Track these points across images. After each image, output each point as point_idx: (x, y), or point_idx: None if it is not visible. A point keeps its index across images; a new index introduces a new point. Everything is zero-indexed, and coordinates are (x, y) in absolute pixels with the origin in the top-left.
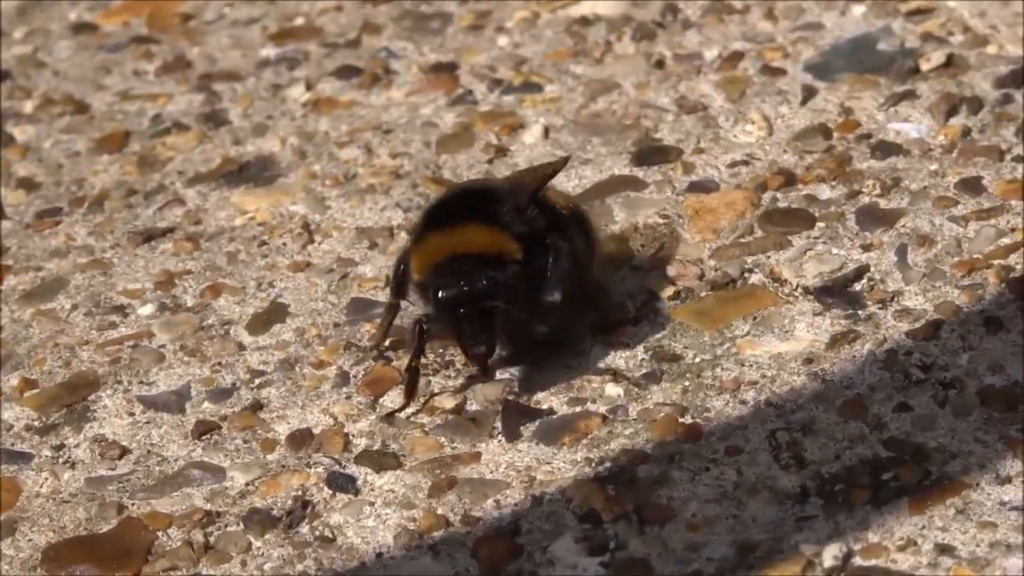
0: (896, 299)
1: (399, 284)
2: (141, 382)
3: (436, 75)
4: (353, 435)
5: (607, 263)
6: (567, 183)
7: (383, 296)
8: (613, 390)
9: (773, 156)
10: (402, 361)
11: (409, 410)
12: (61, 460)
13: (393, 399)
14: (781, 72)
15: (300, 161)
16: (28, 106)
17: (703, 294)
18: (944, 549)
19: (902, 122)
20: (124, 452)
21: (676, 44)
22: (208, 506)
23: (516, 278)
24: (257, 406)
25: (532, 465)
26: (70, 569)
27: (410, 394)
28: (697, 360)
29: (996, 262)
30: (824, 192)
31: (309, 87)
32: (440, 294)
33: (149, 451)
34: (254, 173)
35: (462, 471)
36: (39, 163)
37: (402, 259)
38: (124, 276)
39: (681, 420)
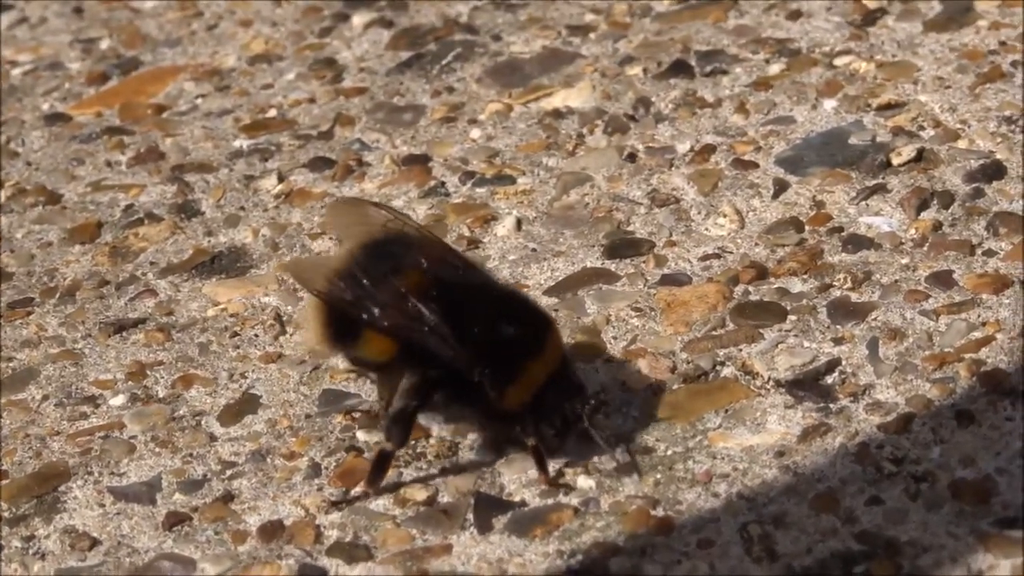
0: (868, 392)
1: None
2: (112, 473)
3: (409, 167)
4: (324, 527)
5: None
6: (540, 275)
7: (355, 387)
8: (585, 482)
9: (745, 249)
10: (373, 451)
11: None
12: (31, 551)
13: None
14: (753, 165)
15: (272, 252)
16: (1, 196)
17: (675, 387)
18: None
19: (873, 216)
20: (94, 543)
21: (648, 137)
22: None
23: None
24: (228, 497)
25: (504, 557)
26: None
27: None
28: (669, 452)
29: (967, 356)
30: (796, 285)
31: (281, 179)
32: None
33: (119, 542)
34: (226, 264)
35: (434, 563)
36: (11, 253)
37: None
38: (95, 367)
39: (653, 513)
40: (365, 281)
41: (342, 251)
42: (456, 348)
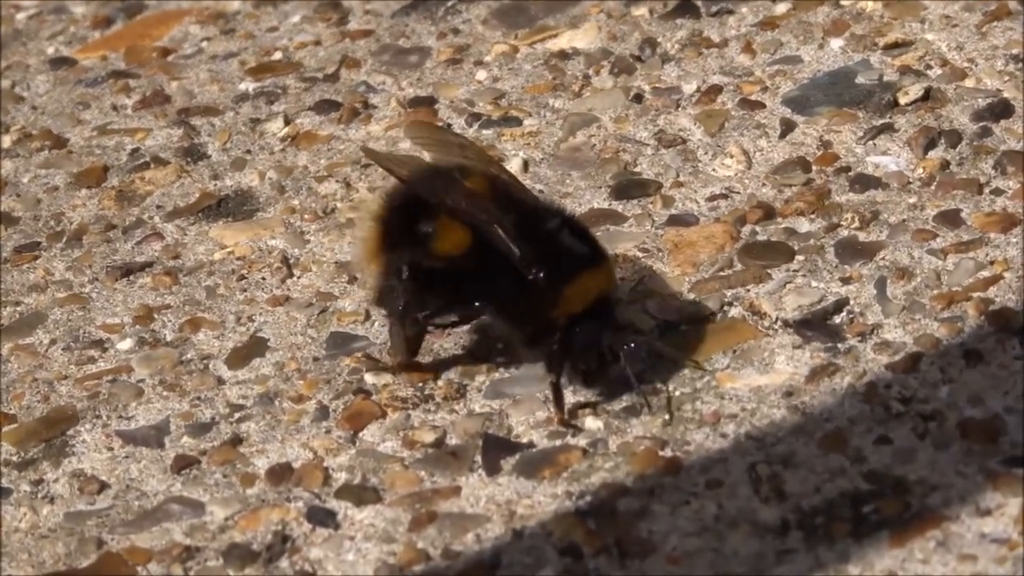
0: (876, 332)
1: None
2: (120, 417)
3: (415, 109)
4: (333, 469)
5: None
6: None
7: (362, 330)
8: (593, 423)
9: (752, 189)
10: (381, 394)
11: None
12: (40, 495)
13: (373, 432)
14: (760, 106)
15: (279, 196)
16: (6, 141)
17: (683, 328)
18: None
19: (881, 155)
20: (103, 487)
21: (654, 78)
22: (187, 541)
23: None
24: (236, 440)
25: (512, 499)
26: None
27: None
28: (677, 393)
29: (975, 295)
30: (803, 225)
31: (288, 121)
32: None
33: (128, 486)
34: (233, 208)
35: (442, 505)
36: (17, 198)
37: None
38: (103, 311)
39: (661, 453)
40: (437, 177)
41: (417, 158)
42: (519, 241)
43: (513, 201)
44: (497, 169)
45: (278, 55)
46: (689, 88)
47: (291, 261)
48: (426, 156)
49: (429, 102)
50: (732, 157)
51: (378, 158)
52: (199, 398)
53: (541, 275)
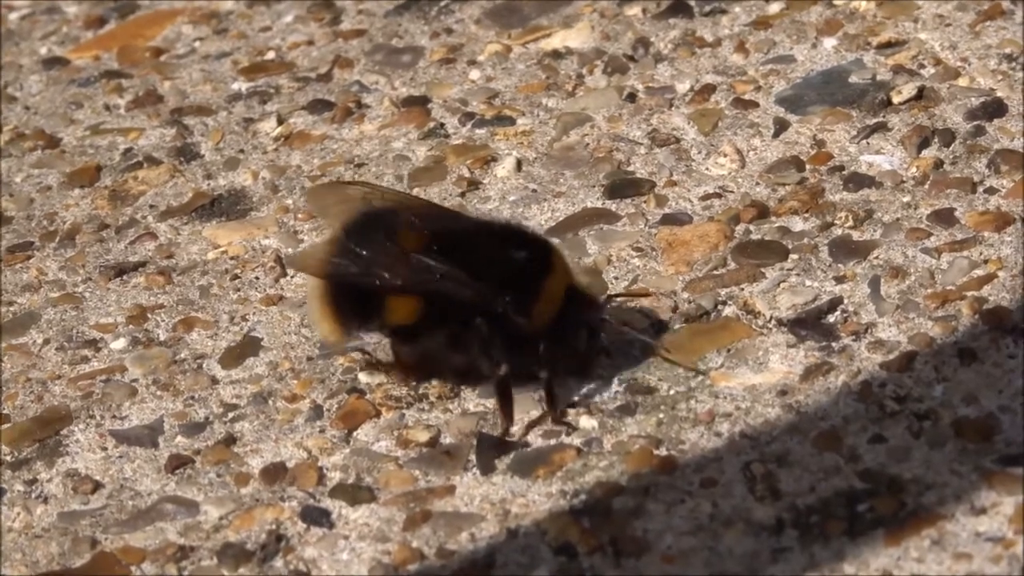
0: (870, 331)
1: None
2: (114, 416)
3: (408, 109)
4: (327, 468)
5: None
6: (540, 216)
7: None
8: (587, 423)
9: (746, 188)
10: (375, 393)
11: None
12: (34, 495)
13: (367, 431)
14: (753, 105)
15: (272, 195)
16: None
17: (677, 327)
18: None
19: (874, 154)
20: (97, 487)
21: (648, 77)
22: (182, 540)
23: None
24: (230, 440)
25: (507, 498)
26: None
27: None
28: (671, 392)
29: (969, 294)
30: (797, 224)
31: (281, 121)
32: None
33: (122, 485)
34: (226, 207)
35: (437, 504)
36: (10, 198)
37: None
38: (96, 310)
39: (656, 452)
40: (364, 252)
41: (331, 233)
42: (474, 285)
43: (446, 232)
44: (407, 199)
45: (271, 55)
46: (682, 87)
47: (284, 260)
48: (333, 224)
49: (422, 102)
50: (726, 156)
51: (295, 263)
52: (193, 397)
53: (509, 307)
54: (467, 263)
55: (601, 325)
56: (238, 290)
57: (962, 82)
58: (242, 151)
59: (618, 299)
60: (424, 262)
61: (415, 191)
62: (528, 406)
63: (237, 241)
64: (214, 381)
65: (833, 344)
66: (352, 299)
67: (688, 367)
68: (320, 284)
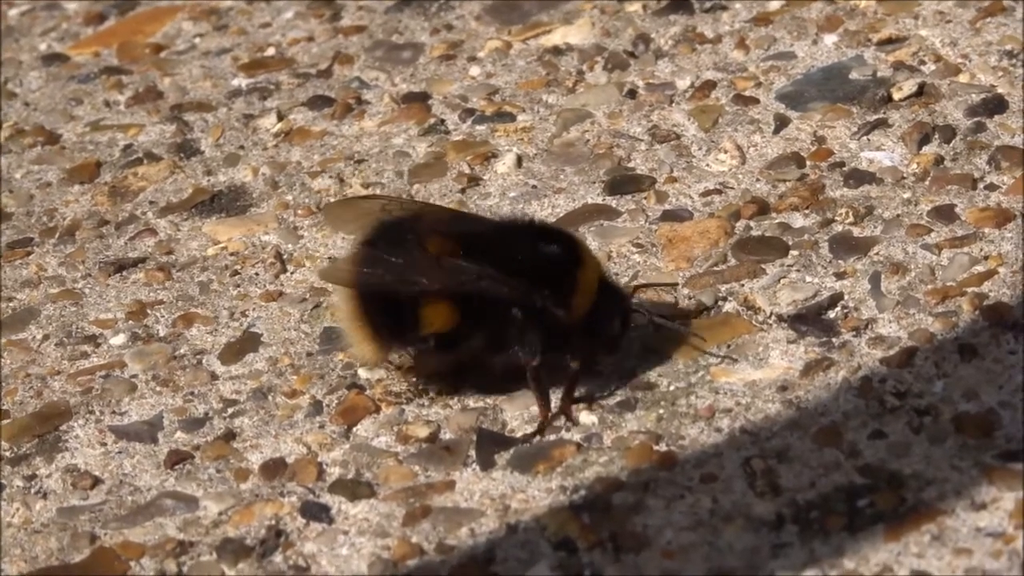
0: (870, 327)
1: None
2: (113, 412)
3: (408, 105)
4: (327, 464)
5: None
6: (540, 212)
7: None
8: (587, 418)
9: (746, 185)
10: (375, 389)
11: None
12: (33, 490)
13: (367, 427)
14: (754, 101)
15: (272, 191)
16: None
17: (677, 323)
18: None
19: (875, 151)
20: (96, 482)
21: (648, 74)
22: (181, 536)
23: None
24: (230, 435)
25: (507, 493)
26: None
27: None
28: (671, 388)
29: (970, 290)
30: (797, 220)
31: (281, 117)
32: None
33: (121, 481)
34: (226, 203)
35: (436, 500)
36: (10, 194)
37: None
38: (95, 306)
39: (656, 448)
40: (395, 259)
41: (355, 247)
42: (510, 282)
43: (472, 235)
44: (425, 207)
45: (271, 51)
46: (683, 84)
47: (284, 256)
48: (353, 237)
49: (422, 98)
50: (726, 152)
51: (327, 277)
52: (192, 393)
53: (548, 300)
54: (499, 263)
55: (633, 315)
56: (238, 286)
57: (963, 79)
58: (242, 147)
59: (644, 289)
60: (458, 264)
61: (415, 187)
62: (528, 401)
63: (237, 237)
64: (214, 377)
65: (833, 340)
66: (386, 314)
67: (721, 356)
68: (352, 304)
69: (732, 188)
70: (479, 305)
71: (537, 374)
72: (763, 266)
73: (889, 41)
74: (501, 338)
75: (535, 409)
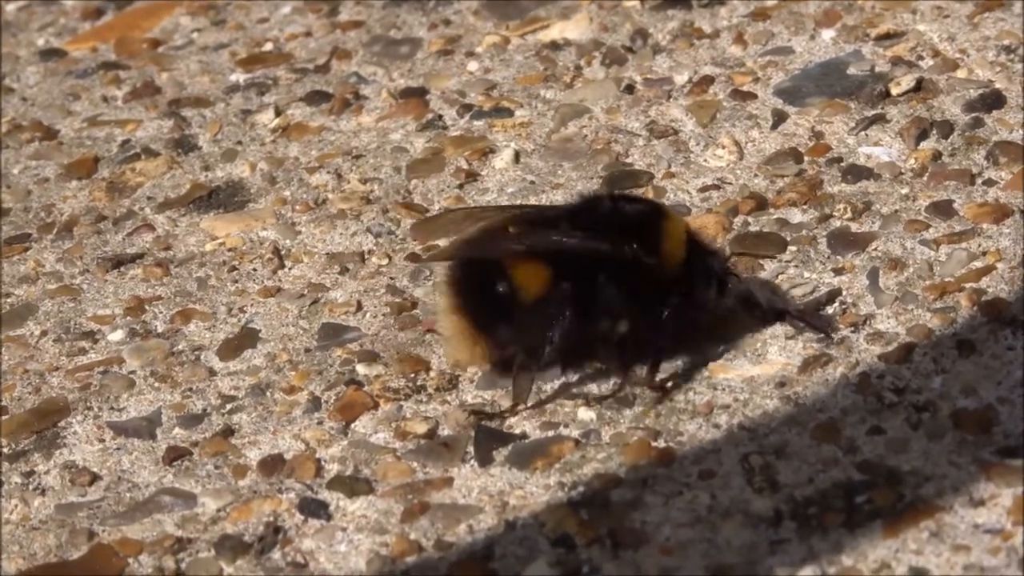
0: (868, 322)
1: None
2: (111, 408)
3: (406, 100)
4: (325, 460)
5: None
6: None
7: (354, 321)
8: (585, 414)
9: (744, 180)
10: (373, 385)
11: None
12: (31, 487)
13: (365, 423)
14: (751, 96)
15: (270, 187)
16: None
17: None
18: (918, 572)
19: (873, 146)
20: (94, 479)
21: (646, 69)
22: (179, 532)
23: None
24: (228, 432)
25: (505, 490)
26: None
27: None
28: (669, 384)
29: (968, 285)
30: (795, 216)
31: (279, 112)
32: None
33: (120, 477)
34: (224, 199)
35: (435, 496)
36: (7, 189)
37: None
38: (93, 302)
39: (654, 444)
40: (487, 236)
41: (450, 240)
42: (599, 237)
43: (553, 217)
44: (500, 207)
45: (269, 46)
46: (681, 79)
47: (282, 252)
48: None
49: (420, 93)
50: (724, 148)
51: (433, 258)
52: (191, 389)
53: (639, 251)
54: (582, 223)
55: (727, 273)
56: (236, 282)
57: (961, 74)
58: (240, 143)
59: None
60: (546, 229)
61: (413, 183)
62: (529, 398)
63: (235, 233)
64: (212, 373)
65: (832, 336)
66: (484, 301)
67: (820, 328)
68: (449, 297)
69: (730, 183)
70: (568, 273)
71: (623, 341)
72: (761, 262)
73: (887, 36)
74: (592, 308)
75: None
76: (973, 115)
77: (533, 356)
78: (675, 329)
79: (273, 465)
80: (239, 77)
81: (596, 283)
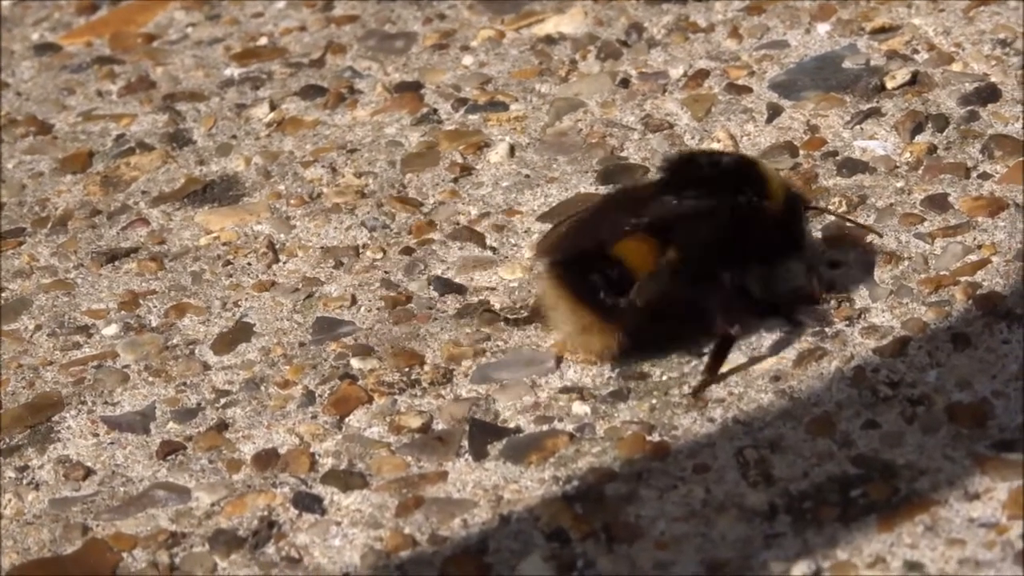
0: (863, 316)
1: None
2: (105, 403)
3: (401, 94)
4: (319, 455)
5: None
6: (533, 201)
7: (348, 315)
8: (580, 408)
9: None
10: (367, 379)
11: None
12: (25, 481)
13: (360, 417)
14: (747, 90)
15: (265, 181)
16: None
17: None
18: (913, 566)
19: (868, 139)
20: (88, 473)
21: (641, 63)
22: (173, 527)
23: None
24: (222, 426)
25: (499, 484)
26: None
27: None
28: (664, 378)
29: (963, 279)
30: None
31: (273, 107)
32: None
33: (114, 472)
34: (218, 193)
35: (429, 490)
36: (2, 183)
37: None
38: (88, 296)
39: (649, 438)
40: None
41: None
42: (703, 196)
43: (654, 188)
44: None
45: (263, 40)
46: (676, 73)
47: (277, 246)
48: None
49: (415, 87)
50: (719, 142)
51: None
52: (185, 384)
53: (739, 199)
54: (682, 186)
55: (820, 209)
56: (230, 276)
57: (956, 67)
58: (234, 137)
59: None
60: (658, 199)
61: (407, 177)
62: (521, 391)
63: (229, 227)
64: (206, 367)
65: (827, 329)
66: (600, 290)
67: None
68: (566, 299)
69: None
70: (675, 240)
71: (726, 295)
72: None
73: (882, 30)
74: (705, 267)
75: (528, 399)
76: (968, 108)
77: (652, 329)
78: (782, 272)
79: (267, 459)
80: (234, 71)
81: (706, 242)
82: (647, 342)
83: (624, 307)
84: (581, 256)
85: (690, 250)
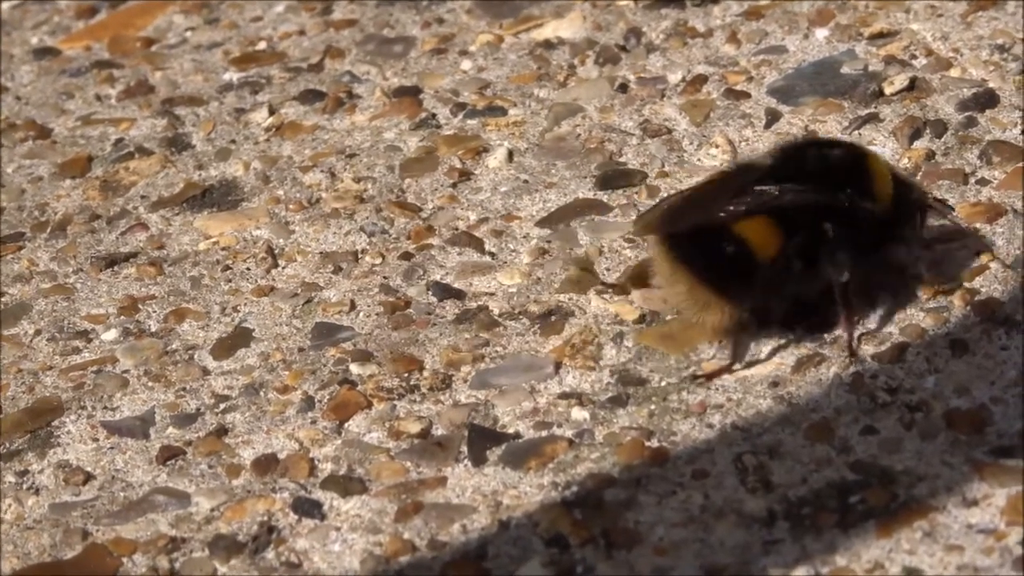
0: (861, 322)
1: None
2: (105, 407)
3: (399, 99)
4: (319, 460)
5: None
6: (532, 207)
7: (347, 320)
8: (579, 414)
9: None
10: (366, 384)
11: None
12: (25, 486)
13: (359, 423)
14: (745, 95)
15: (263, 186)
16: None
17: (668, 318)
18: (911, 572)
19: (866, 145)
20: (88, 478)
21: (640, 68)
22: (173, 532)
23: None
24: (222, 431)
25: (498, 489)
26: None
27: None
28: (663, 384)
29: (961, 285)
30: None
31: (272, 111)
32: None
33: (114, 477)
34: (217, 198)
35: (428, 496)
36: (1, 188)
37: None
38: (87, 301)
39: (647, 444)
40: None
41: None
42: (815, 189)
43: (760, 177)
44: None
45: (262, 45)
46: (674, 78)
47: (276, 251)
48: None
49: (414, 92)
50: (717, 147)
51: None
52: (184, 389)
53: (854, 196)
54: (793, 175)
55: (929, 203)
56: (229, 281)
57: (954, 73)
58: (233, 141)
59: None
60: (758, 189)
61: (406, 182)
62: (520, 397)
63: (228, 232)
64: (205, 372)
65: (825, 335)
66: (721, 267)
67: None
68: (676, 277)
69: None
70: (794, 227)
71: (846, 290)
72: None
73: (880, 35)
74: (815, 259)
75: (527, 405)
76: (966, 114)
77: (763, 314)
78: (888, 269)
79: (267, 464)
80: (232, 76)
81: (818, 234)
82: (762, 322)
83: (748, 288)
84: (700, 231)
85: (808, 239)
